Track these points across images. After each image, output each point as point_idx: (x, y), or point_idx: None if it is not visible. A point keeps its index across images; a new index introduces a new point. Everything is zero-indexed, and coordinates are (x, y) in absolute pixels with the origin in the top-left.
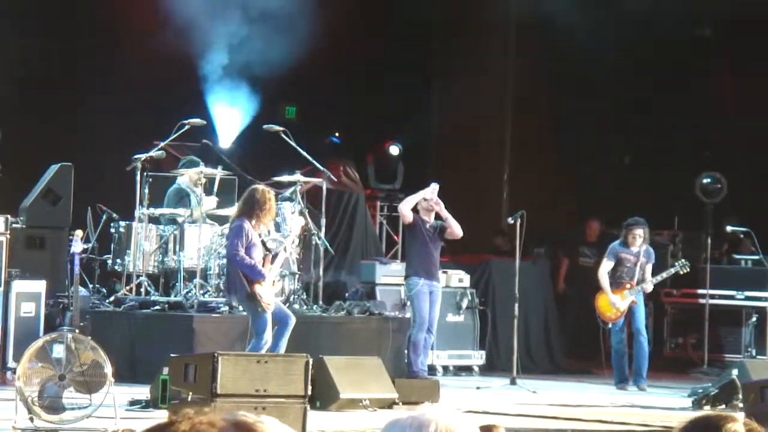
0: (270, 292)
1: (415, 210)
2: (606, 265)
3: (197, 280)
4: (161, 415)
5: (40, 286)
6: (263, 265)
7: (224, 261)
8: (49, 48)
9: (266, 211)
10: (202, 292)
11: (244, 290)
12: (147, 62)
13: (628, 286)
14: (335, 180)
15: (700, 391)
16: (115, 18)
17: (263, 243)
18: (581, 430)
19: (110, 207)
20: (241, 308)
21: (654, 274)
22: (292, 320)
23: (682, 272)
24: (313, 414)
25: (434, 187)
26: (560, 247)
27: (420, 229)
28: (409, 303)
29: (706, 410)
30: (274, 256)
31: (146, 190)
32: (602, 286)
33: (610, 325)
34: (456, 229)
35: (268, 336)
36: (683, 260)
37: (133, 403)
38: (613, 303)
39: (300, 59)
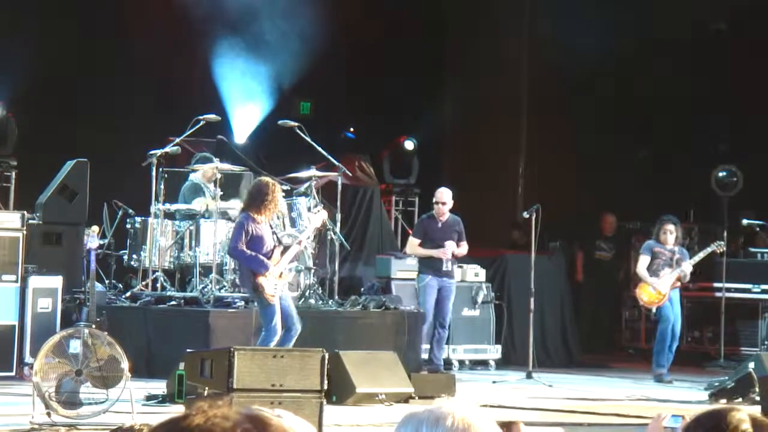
0: (275, 285)
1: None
2: (644, 261)
3: (213, 276)
4: (178, 410)
5: (56, 281)
6: (270, 257)
7: None
8: (66, 45)
9: (270, 203)
10: (218, 287)
11: (249, 282)
12: (163, 58)
13: (664, 273)
14: (350, 175)
15: (717, 384)
16: (133, 15)
17: (276, 235)
18: (597, 423)
19: (126, 203)
20: (252, 303)
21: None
22: (297, 330)
23: (719, 251)
24: (329, 408)
25: (449, 246)
26: (576, 241)
27: (429, 230)
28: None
29: (722, 404)
30: (285, 249)
31: (162, 186)
32: (642, 276)
33: (654, 311)
34: (463, 251)
35: (277, 327)
36: (719, 241)
37: (149, 398)
38: (654, 286)
39: (315, 54)
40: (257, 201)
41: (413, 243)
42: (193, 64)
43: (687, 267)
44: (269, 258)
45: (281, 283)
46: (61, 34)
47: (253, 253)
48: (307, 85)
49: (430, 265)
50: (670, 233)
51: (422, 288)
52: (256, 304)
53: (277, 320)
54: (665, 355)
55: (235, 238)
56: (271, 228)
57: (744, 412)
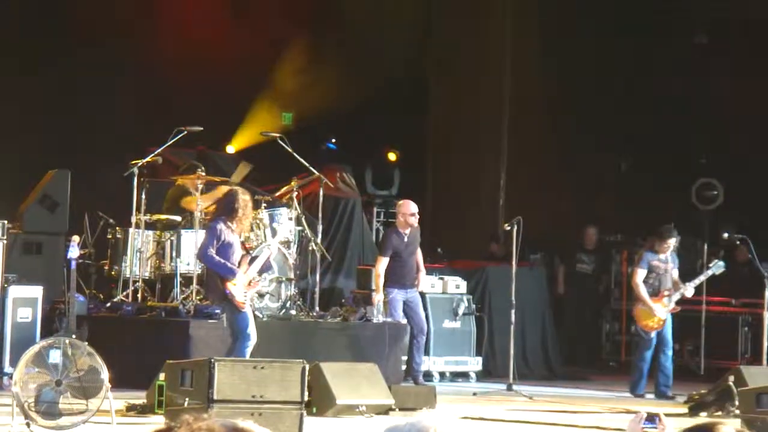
0: (245, 292)
1: (390, 224)
2: (641, 275)
3: (194, 286)
4: (158, 421)
5: (37, 291)
6: (239, 266)
7: None
8: (47, 54)
9: (244, 214)
10: (198, 297)
11: (219, 291)
12: (146, 68)
13: (666, 293)
14: (332, 186)
15: (697, 397)
16: (114, 24)
17: (244, 244)
18: None
19: (107, 213)
20: (221, 312)
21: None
22: (252, 341)
23: (717, 273)
24: (310, 420)
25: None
26: (557, 254)
27: (397, 245)
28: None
29: (703, 417)
30: (253, 258)
31: (143, 196)
32: (641, 296)
33: (652, 335)
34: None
35: (252, 334)
36: (717, 261)
37: (129, 408)
38: (655, 312)
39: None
40: (229, 210)
41: (382, 264)
42: (176, 73)
43: (689, 291)
44: (238, 266)
45: (251, 291)
46: (42, 40)
47: (223, 261)
48: (289, 96)
49: (396, 279)
50: (673, 245)
51: (389, 302)
52: (225, 313)
53: (252, 327)
54: (645, 379)
55: (206, 243)
56: (240, 237)
57: (731, 426)
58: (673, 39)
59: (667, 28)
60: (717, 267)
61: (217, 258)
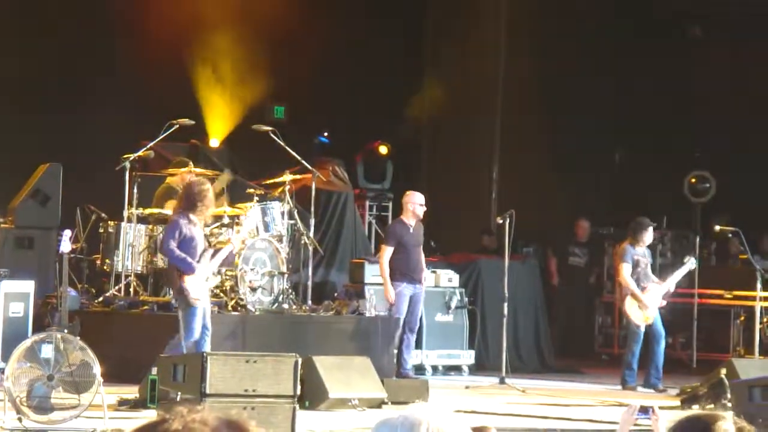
0: (200, 287)
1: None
2: (628, 269)
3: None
4: (150, 415)
5: (28, 286)
6: (200, 261)
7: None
8: (39, 48)
9: (204, 205)
10: None
11: (175, 283)
12: (138, 62)
13: (651, 287)
14: (324, 180)
15: (689, 390)
16: (110, 18)
17: (208, 240)
18: (570, 429)
19: (99, 207)
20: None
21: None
22: (195, 338)
23: (691, 269)
24: (302, 414)
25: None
26: (549, 247)
27: (402, 236)
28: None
29: (695, 409)
30: (215, 252)
31: (135, 190)
32: (632, 291)
33: (642, 329)
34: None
35: (195, 332)
36: (689, 257)
37: (121, 403)
38: (646, 305)
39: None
40: (191, 203)
41: (387, 254)
42: (168, 68)
43: (672, 286)
44: (199, 261)
45: (206, 286)
46: (34, 36)
47: (183, 255)
48: (281, 89)
49: (404, 273)
50: (649, 237)
51: (396, 295)
52: (177, 305)
53: (197, 325)
54: (634, 375)
55: (167, 236)
56: (204, 230)
57: (730, 421)
58: (669, 32)
59: (663, 22)
60: (690, 263)
61: (178, 252)
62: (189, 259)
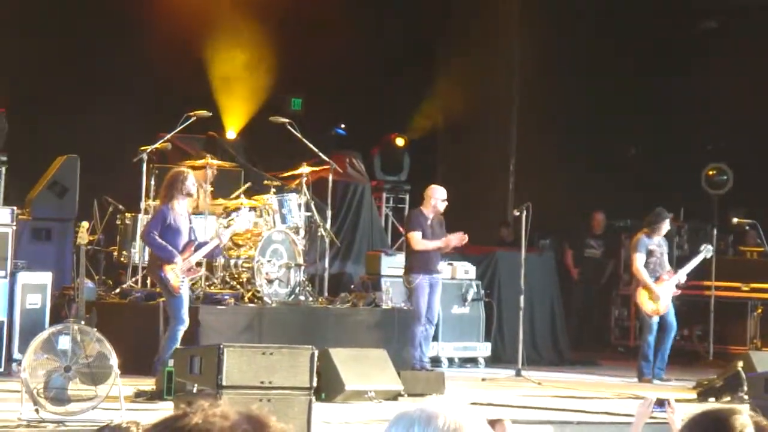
0: (182, 278)
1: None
2: (641, 259)
3: (203, 272)
4: (167, 407)
5: (46, 277)
6: (182, 252)
7: (228, 252)
8: (57, 41)
9: (188, 193)
10: (207, 283)
11: (157, 272)
12: (154, 54)
13: (665, 277)
14: (341, 171)
15: (706, 383)
16: (123, 11)
17: (193, 231)
18: (587, 422)
19: (116, 199)
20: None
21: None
22: (184, 325)
23: (707, 257)
24: (318, 406)
25: (456, 237)
26: (565, 239)
27: (424, 226)
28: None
29: (711, 402)
30: (199, 245)
31: (152, 182)
32: (644, 281)
33: (654, 319)
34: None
35: (185, 316)
36: (706, 245)
37: (138, 394)
38: (658, 296)
39: (306, 50)
40: (173, 192)
41: (419, 237)
42: (184, 59)
43: (683, 276)
44: (181, 252)
45: (189, 276)
46: (51, 32)
47: (164, 243)
48: (298, 81)
49: (423, 265)
50: (666, 227)
51: (415, 288)
52: (163, 295)
53: (185, 310)
54: (649, 367)
55: (151, 224)
56: (189, 220)
57: (746, 415)
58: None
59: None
60: (707, 251)
61: (159, 240)
62: (170, 248)
